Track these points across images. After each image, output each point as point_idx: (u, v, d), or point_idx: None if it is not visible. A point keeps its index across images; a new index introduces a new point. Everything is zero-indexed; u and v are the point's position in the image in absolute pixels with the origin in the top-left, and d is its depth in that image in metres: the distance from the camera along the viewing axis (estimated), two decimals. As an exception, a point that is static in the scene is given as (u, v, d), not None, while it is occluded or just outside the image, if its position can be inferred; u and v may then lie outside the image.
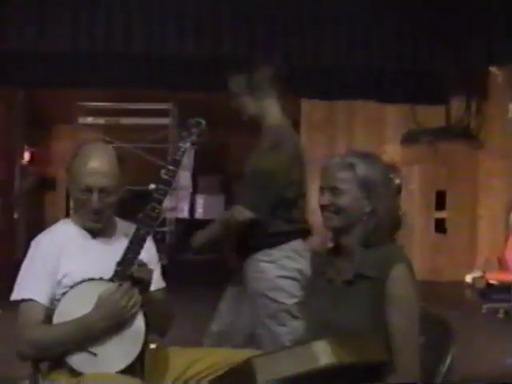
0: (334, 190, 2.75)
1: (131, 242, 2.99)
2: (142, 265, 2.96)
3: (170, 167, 3.13)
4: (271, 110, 4.09)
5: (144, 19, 8.05)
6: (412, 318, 2.64)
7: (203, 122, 3.27)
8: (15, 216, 15.22)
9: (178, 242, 12.13)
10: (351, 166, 2.74)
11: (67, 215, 13.16)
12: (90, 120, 13.49)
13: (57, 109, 13.62)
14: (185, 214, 13.15)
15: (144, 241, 3.00)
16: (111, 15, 8.06)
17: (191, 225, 13.12)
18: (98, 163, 3.05)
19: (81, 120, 13.45)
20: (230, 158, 13.24)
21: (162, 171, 3.12)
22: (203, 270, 11.29)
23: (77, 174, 3.07)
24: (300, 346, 2.42)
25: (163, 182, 3.11)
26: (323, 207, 2.79)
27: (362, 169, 2.74)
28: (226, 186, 13.52)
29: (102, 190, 3.03)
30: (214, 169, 12.57)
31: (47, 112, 13.97)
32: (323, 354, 2.31)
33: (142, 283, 2.95)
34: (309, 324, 2.89)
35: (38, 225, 12.58)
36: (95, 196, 3.03)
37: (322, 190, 2.81)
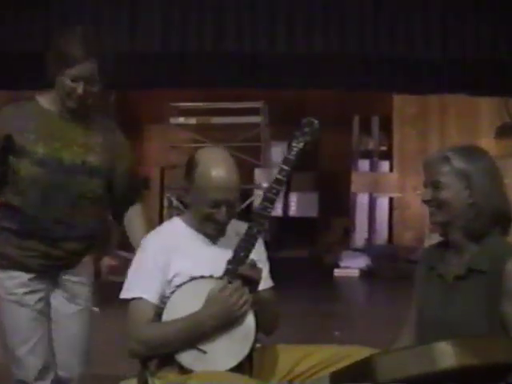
0: (435, 185, 2.78)
1: (243, 241, 3.00)
2: (253, 264, 2.97)
3: (284, 167, 3.12)
4: None
5: (235, 18, 8.09)
6: None
7: (316, 122, 3.22)
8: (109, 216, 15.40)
9: (273, 240, 12.13)
10: (447, 159, 2.76)
11: (161, 214, 13.31)
12: (181, 120, 13.56)
13: (148, 109, 13.74)
14: (278, 212, 13.08)
15: (256, 240, 3.01)
16: (202, 14, 8.13)
17: (285, 223, 13.11)
18: (225, 176, 3.03)
19: (172, 120, 13.52)
20: (322, 155, 13.15)
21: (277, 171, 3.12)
22: (298, 268, 11.25)
23: (203, 187, 3.04)
24: (422, 347, 2.41)
25: (276, 181, 3.10)
26: (426, 202, 2.82)
27: (458, 161, 2.75)
28: (319, 183, 13.45)
29: (228, 204, 3.05)
30: (306, 166, 12.48)
31: (139, 112, 14.12)
32: (445, 355, 2.29)
33: (252, 282, 2.96)
34: (421, 321, 2.86)
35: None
36: (223, 210, 3.04)
37: (425, 185, 2.85)
